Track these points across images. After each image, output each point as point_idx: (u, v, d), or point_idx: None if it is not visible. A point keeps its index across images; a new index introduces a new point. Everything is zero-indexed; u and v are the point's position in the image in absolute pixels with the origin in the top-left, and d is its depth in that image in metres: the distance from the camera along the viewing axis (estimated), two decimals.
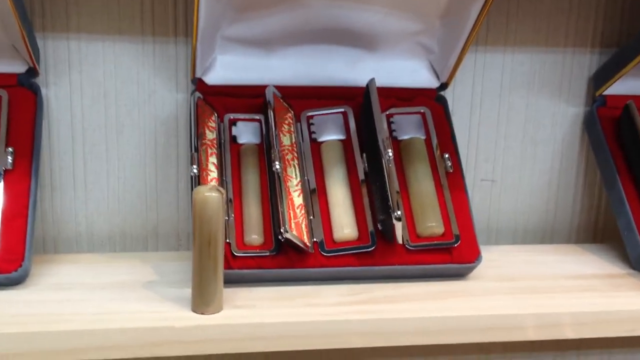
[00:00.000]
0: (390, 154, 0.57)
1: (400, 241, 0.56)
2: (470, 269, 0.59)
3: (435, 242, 0.58)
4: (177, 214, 0.66)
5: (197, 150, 0.58)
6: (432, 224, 0.58)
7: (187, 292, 0.53)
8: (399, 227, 0.55)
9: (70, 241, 0.65)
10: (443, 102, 0.66)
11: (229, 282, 0.56)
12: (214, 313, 0.51)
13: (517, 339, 0.55)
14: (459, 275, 0.60)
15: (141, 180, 0.65)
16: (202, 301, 0.51)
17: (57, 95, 0.62)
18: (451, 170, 0.62)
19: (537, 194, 0.72)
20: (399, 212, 0.54)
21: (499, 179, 0.71)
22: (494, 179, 0.71)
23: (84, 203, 0.65)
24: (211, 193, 0.49)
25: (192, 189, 0.57)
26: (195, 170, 0.56)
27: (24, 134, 0.58)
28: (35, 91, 0.60)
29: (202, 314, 0.51)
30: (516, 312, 0.54)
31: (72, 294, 0.54)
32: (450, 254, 0.58)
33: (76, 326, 0.49)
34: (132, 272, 0.59)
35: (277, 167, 0.57)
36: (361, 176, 0.61)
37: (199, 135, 0.60)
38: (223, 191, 0.50)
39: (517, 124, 0.70)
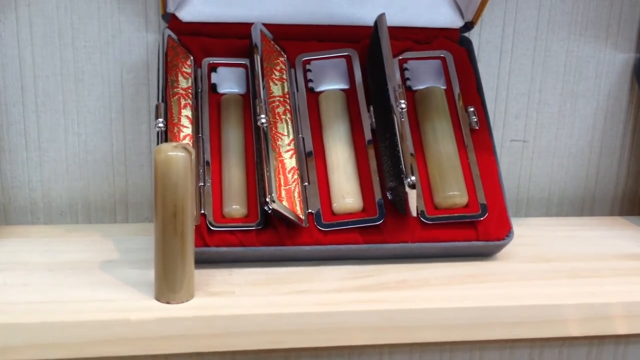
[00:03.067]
0: (404, 105, 0.46)
1: (414, 213, 0.46)
2: (499, 248, 0.49)
3: (458, 214, 0.48)
4: (150, 179, 0.56)
5: (165, 100, 0.48)
6: (453, 193, 0.48)
7: (152, 274, 0.43)
8: (413, 196, 0.44)
9: (24, 211, 0.55)
10: (467, 45, 0.55)
11: (204, 262, 0.45)
12: (182, 302, 0.42)
13: (556, 334, 0.45)
14: (486, 254, 0.49)
15: (106, 138, 0.55)
16: (167, 287, 0.41)
17: (1, 34, 0.52)
18: (477, 127, 0.51)
19: (576, 157, 0.62)
20: (413, 178, 0.44)
21: (531, 139, 0.61)
22: (526, 140, 0.61)
23: (38, 166, 0.55)
24: (176, 152, 0.39)
25: None
26: (161, 125, 0.46)
27: None
28: None
29: (168, 302, 0.41)
30: (556, 302, 0.44)
31: (10, 276, 0.44)
32: (476, 229, 0.48)
33: (6, 319, 0.39)
34: (90, 249, 0.49)
35: (264, 121, 0.46)
36: (367, 134, 0.50)
37: (170, 82, 0.49)
38: (192, 150, 0.39)
39: (555, 74, 0.59)
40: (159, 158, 0.39)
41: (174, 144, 0.39)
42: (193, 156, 0.39)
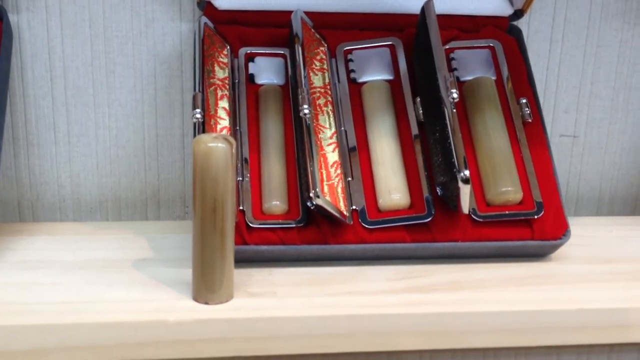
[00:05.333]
0: (455, 95, 0.43)
1: (466, 210, 0.43)
2: (555, 248, 0.46)
3: (511, 211, 0.45)
4: (184, 175, 0.54)
5: (202, 90, 0.45)
6: (507, 189, 0.45)
7: (189, 274, 0.40)
8: (466, 191, 0.41)
9: (52, 208, 0.53)
10: (517, 34, 0.52)
11: (243, 261, 0.43)
12: (221, 303, 0.39)
13: (621, 340, 0.42)
14: (540, 255, 0.46)
15: (138, 132, 0.53)
16: (205, 287, 0.39)
17: (31, 23, 0.50)
18: (530, 120, 0.48)
19: (629, 154, 0.58)
20: (466, 172, 0.41)
21: (581, 134, 0.57)
22: (576, 135, 0.57)
23: (67, 161, 0.52)
24: (216, 144, 0.36)
25: None
26: (199, 116, 0.43)
27: None
28: (0, 17, 0.47)
29: (206, 303, 0.39)
30: (622, 306, 0.41)
31: (41, 275, 0.42)
32: (531, 228, 0.45)
33: (36, 319, 0.37)
34: (123, 247, 0.47)
35: (306, 112, 0.44)
36: (414, 127, 0.47)
37: (206, 72, 0.46)
38: (233, 142, 0.37)
39: (607, 66, 0.56)
40: (199, 149, 0.36)
41: (214, 134, 0.37)
42: (234, 148, 0.37)
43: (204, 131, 0.44)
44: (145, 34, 0.51)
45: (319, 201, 0.41)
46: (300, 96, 0.44)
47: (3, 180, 0.52)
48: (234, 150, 0.37)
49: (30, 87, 0.51)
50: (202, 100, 0.44)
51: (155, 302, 0.39)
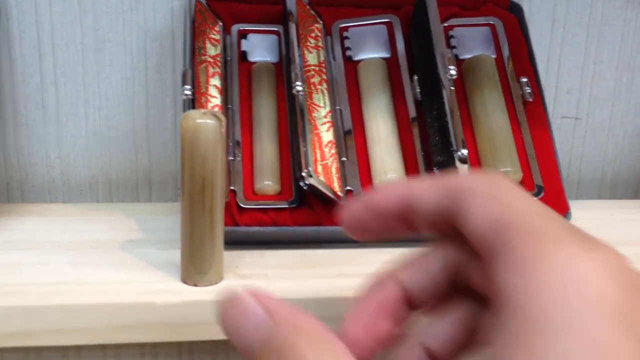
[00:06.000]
0: (454, 72, 0.42)
1: None
2: None
3: None
4: (175, 156, 0.53)
5: (192, 67, 0.44)
6: (506, 169, 0.43)
7: (178, 255, 0.39)
8: (464, 170, 0.40)
9: (41, 189, 0.52)
10: (518, 11, 0.51)
11: (234, 243, 0.42)
12: (210, 284, 0.38)
13: None
14: None
15: (128, 112, 0.51)
16: (194, 268, 0.38)
17: None
18: (530, 100, 0.47)
19: (632, 136, 0.57)
20: (464, 152, 0.40)
21: (584, 116, 0.56)
22: (578, 116, 0.56)
23: (56, 141, 0.51)
24: (205, 120, 0.35)
25: None
26: (188, 92, 0.42)
27: None
28: None
29: (195, 285, 0.38)
30: None
31: (28, 255, 0.41)
32: None
33: (22, 301, 0.36)
34: (113, 229, 0.45)
35: (300, 89, 0.42)
36: (410, 106, 0.46)
37: (197, 49, 0.45)
38: (223, 118, 0.36)
39: (611, 45, 0.55)
40: (187, 125, 0.35)
41: (202, 110, 0.36)
42: (224, 124, 0.36)
43: (193, 109, 0.42)
44: (135, 10, 0.50)
45: (311, 181, 0.40)
46: (293, 73, 0.43)
47: None
48: (223, 127, 0.36)
49: (18, 64, 0.50)
50: (192, 77, 0.43)
51: (144, 284, 0.38)
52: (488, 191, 0.24)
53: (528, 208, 0.24)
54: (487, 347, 0.22)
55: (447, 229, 0.26)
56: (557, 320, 0.20)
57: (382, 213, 0.27)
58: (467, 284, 0.26)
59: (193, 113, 0.35)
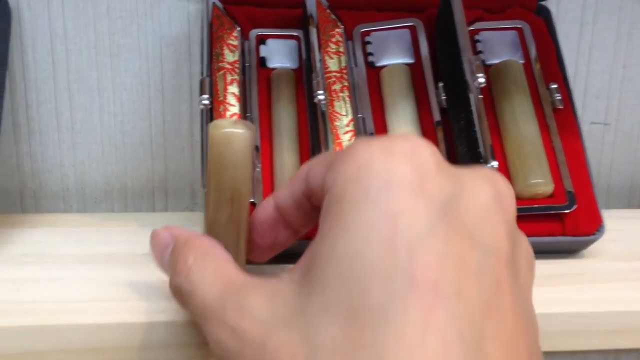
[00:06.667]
0: (482, 80, 0.40)
1: None
2: (588, 244, 0.43)
3: (542, 205, 0.42)
4: (192, 163, 0.51)
5: (210, 75, 0.42)
6: (537, 180, 0.42)
7: None
8: None
9: (55, 197, 0.51)
10: (546, 14, 0.49)
11: None
12: None
13: None
14: (572, 251, 0.43)
15: (144, 118, 0.50)
16: None
17: (30, 3, 0.47)
18: (561, 107, 0.45)
19: None
20: (494, 164, 0.38)
21: (613, 122, 0.54)
22: (607, 122, 0.54)
23: (70, 148, 0.50)
24: (236, 129, 0.32)
25: (203, 127, 0.41)
26: (206, 102, 0.41)
27: None
28: None
29: None
30: None
31: (39, 270, 0.40)
32: (562, 222, 0.42)
33: (32, 320, 0.35)
34: (127, 240, 0.44)
35: (321, 97, 0.41)
36: (436, 114, 0.44)
37: (215, 55, 0.44)
38: (253, 127, 0.33)
39: None
40: (217, 135, 0.32)
41: (233, 119, 0.34)
42: (255, 134, 0.34)
43: (212, 119, 0.41)
44: (150, 15, 0.48)
45: None
46: (314, 81, 0.42)
47: (4, 169, 0.50)
48: (254, 136, 0.34)
49: (31, 70, 0.48)
50: (210, 85, 0.42)
51: (162, 301, 0.37)
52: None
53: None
54: None
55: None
56: (356, 196, 0.24)
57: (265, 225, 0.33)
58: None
59: (223, 122, 0.33)
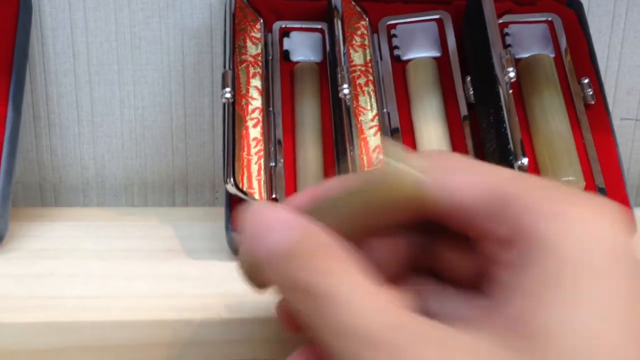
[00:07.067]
0: (512, 74, 0.39)
1: None
2: None
3: None
4: (213, 158, 0.50)
5: (233, 68, 0.42)
6: (568, 178, 0.40)
7: (215, 266, 0.37)
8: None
9: (75, 191, 0.50)
10: (577, 7, 0.47)
11: None
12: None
13: None
14: None
15: (165, 112, 0.49)
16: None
17: None
18: (592, 102, 0.44)
19: None
20: (525, 161, 0.37)
21: None
22: (639, 118, 0.53)
23: (91, 142, 0.49)
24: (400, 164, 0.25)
25: (225, 120, 0.40)
26: (228, 95, 0.40)
27: (1, 47, 0.43)
28: None
29: None
30: None
31: (58, 265, 0.39)
32: None
33: (52, 316, 0.34)
34: (147, 235, 0.43)
35: (346, 92, 0.40)
36: (463, 109, 0.43)
37: (237, 48, 0.43)
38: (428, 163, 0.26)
39: None
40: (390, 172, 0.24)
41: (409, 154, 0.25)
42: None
43: (234, 112, 0.40)
44: (172, 6, 0.47)
45: None
46: (339, 75, 0.41)
47: (24, 162, 0.49)
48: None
49: (52, 63, 0.48)
50: (233, 78, 0.41)
51: (183, 298, 0.36)
52: (455, 165, 0.25)
53: (511, 174, 0.25)
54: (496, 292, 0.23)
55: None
56: (600, 268, 0.22)
57: None
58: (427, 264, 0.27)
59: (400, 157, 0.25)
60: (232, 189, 0.37)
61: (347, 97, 0.40)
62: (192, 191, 0.51)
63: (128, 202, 0.51)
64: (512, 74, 0.39)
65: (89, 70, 0.48)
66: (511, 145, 0.37)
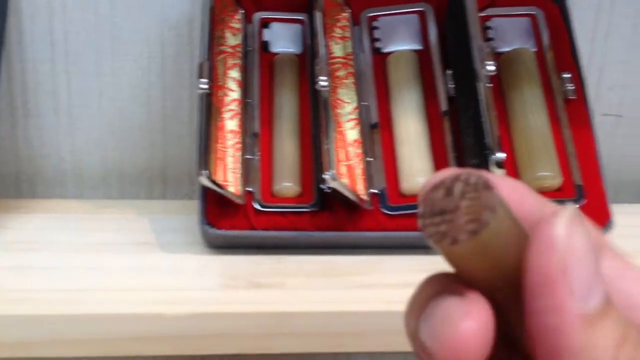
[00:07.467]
0: (492, 68, 0.39)
1: None
2: None
3: (549, 199, 0.40)
4: (191, 151, 0.50)
5: (210, 58, 0.41)
6: (544, 173, 0.40)
7: (191, 260, 0.37)
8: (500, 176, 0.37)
9: (52, 182, 0.50)
10: (561, 1, 0.47)
11: (250, 247, 0.39)
12: None
13: None
14: None
15: (144, 104, 0.49)
16: None
17: None
18: (573, 97, 0.43)
19: None
20: (501, 155, 0.37)
21: (626, 113, 0.53)
22: (620, 114, 0.52)
23: (69, 133, 0.49)
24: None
25: (201, 112, 0.40)
26: (204, 85, 0.39)
27: None
28: None
29: None
30: None
31: (35, 258, 0.39)
32: None
33: (28, 309, 0.34)
34: (123, 228, 0.43)
35: (324, 84, 0.39)
36: (443, 103, 0.43)
37: (216, 39, 0.42)
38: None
39: None
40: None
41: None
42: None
43: (210, 103, 0.40)
44: None
45: (335, 184, 0.37)
46: (317, 67, 0.40)
47: None
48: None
49: (29, 50, 0.47)
50: (210, 69, 0.40)
51: (156, 292, 0.36)
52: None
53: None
54: None
55: None
56: None
57: None
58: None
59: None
60: (205, 182, 0.37)
61: (325, 89, 0.40)
62: (170, 184, 0.51)
63: (105, 194, 0.50)
64: (491, 67, 0.39)
65: (66, 60, 0.47)
66: (488, 139, 0.37)
